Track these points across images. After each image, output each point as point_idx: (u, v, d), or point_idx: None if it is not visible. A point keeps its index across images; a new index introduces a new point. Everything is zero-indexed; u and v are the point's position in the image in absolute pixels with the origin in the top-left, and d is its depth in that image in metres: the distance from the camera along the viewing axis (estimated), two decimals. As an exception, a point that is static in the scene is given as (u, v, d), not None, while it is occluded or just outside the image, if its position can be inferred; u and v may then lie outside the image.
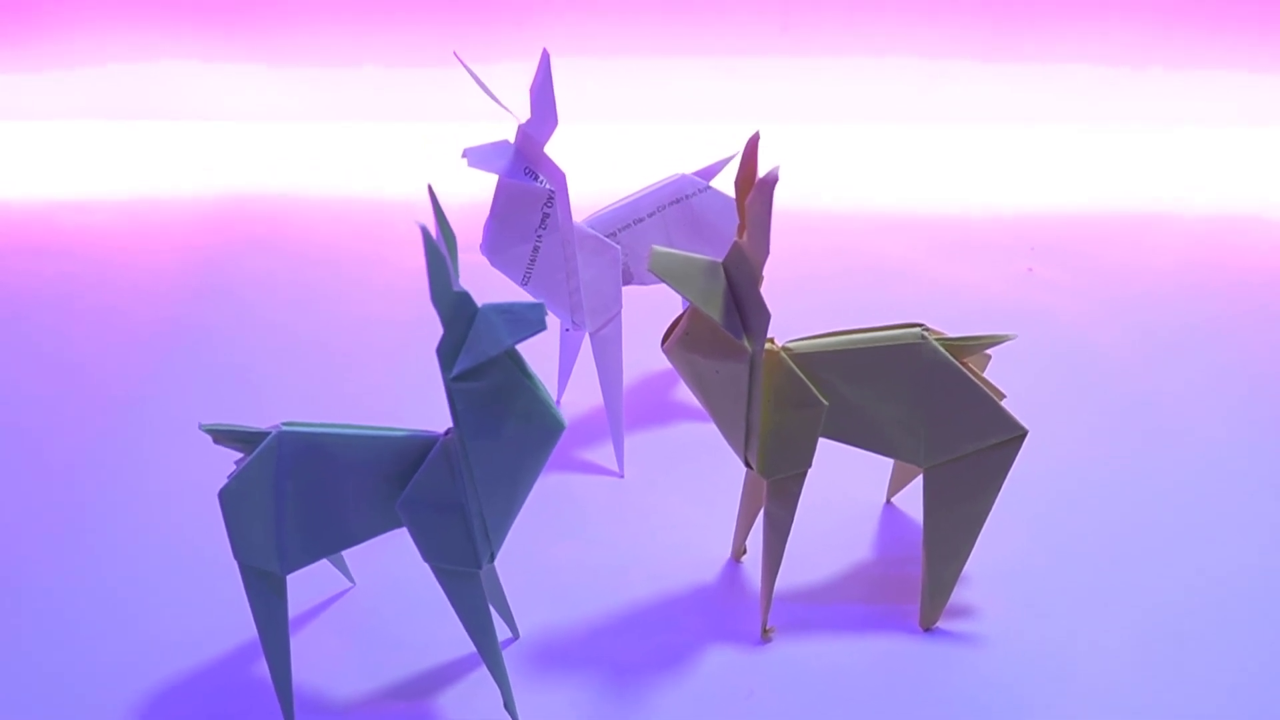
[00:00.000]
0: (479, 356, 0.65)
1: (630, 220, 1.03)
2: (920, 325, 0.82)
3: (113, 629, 0.88)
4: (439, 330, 0.66)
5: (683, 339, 0.78)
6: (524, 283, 0.94)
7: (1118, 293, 1.43)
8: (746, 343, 0.75)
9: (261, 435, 0.71)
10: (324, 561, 0.90)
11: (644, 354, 1.20)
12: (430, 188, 0.68)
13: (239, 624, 0.87)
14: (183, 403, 1.19)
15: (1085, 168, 1.88)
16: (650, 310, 1.21)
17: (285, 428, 0.71)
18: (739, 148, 1.10)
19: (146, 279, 1.51)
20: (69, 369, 1.27)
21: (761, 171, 0.74)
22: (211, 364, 1.27)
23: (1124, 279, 1.47)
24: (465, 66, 0.89)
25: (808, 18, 1.93)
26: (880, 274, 1.48)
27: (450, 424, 0.71)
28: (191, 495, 1.03)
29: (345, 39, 2.00)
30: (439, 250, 0.63)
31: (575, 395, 1.18)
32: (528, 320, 0.65)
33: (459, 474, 0.70)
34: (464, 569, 0.73)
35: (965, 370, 0.81)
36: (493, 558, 0.74)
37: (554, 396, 1.06)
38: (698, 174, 1.07)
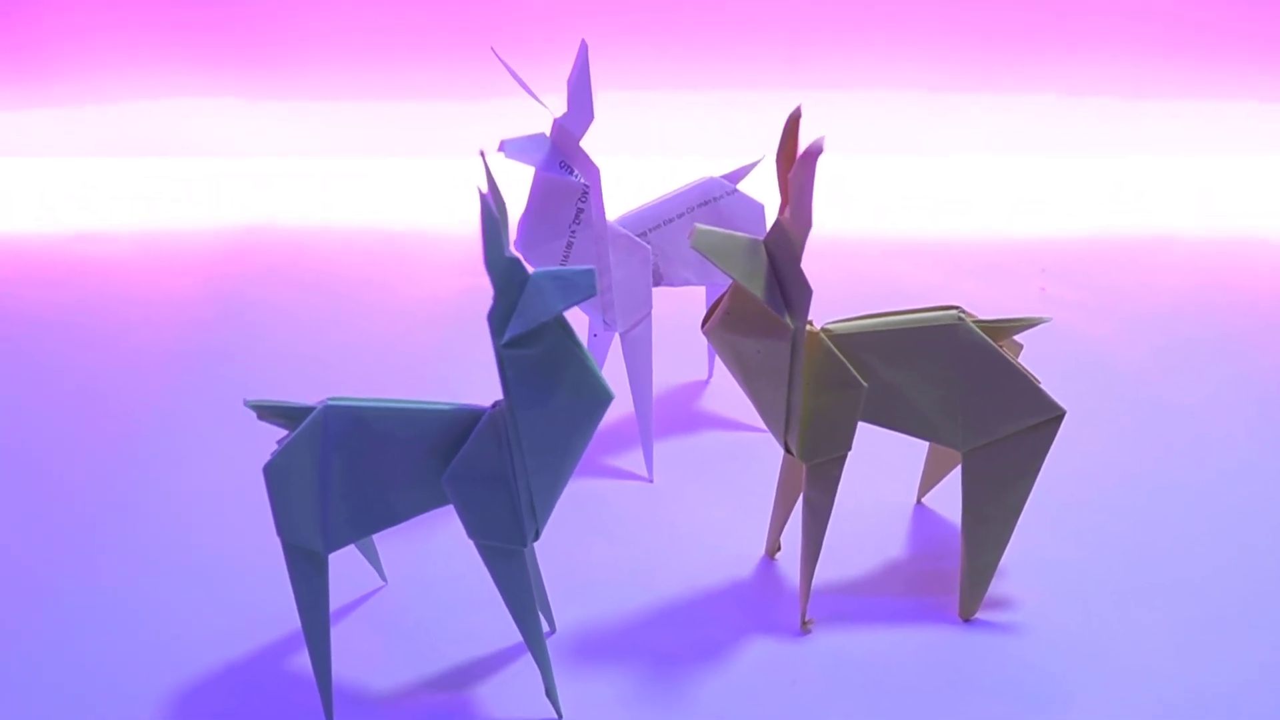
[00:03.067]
0: (530, 322, 0.65)
1: (660, 221, 1.03)
2: (956, 307, 0.82)
3: (150, 627, 0.87)
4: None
5: (724, 319, 0.78)
6: (556, 280, 0.94)
7: (1129, 310, 1.45)
8: (788, 320, 0.76)
9: (307, 410, 0.71)
10: (357, 560, 0.89)
11: (667, 361, 1.20)
12: (482, 153, 0.68)
13: (271, 621, 0.86)
14: (200, 421, 1.18)
15: (1091, 194, 1.92)
16: (674, 321, 1.21)
17: (331, 402, 0.71)
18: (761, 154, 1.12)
19: (161, 308, 1.52)
20: (86, 391, 1.27)
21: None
22: (227, 386, 1.27)
23: (1134, 297, 1.50)
24: (502, 62, 0.90)
25: (815, 52, 1.97)
26: (899, 297, 1.46)
27: (495, 399, 0.72)
28: (208, 506, 1.03)
29: (356, 75, 2.03)
30: (495, 217, 0.63)
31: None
32: (578, 285, 0.65)
33: (506, 447, 0.70)
34: (509, 545, 0.72)
35: (1002, 352, 0.81)
36: (538, 535, 0.74)
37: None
38: (725, 177, 1.08)
